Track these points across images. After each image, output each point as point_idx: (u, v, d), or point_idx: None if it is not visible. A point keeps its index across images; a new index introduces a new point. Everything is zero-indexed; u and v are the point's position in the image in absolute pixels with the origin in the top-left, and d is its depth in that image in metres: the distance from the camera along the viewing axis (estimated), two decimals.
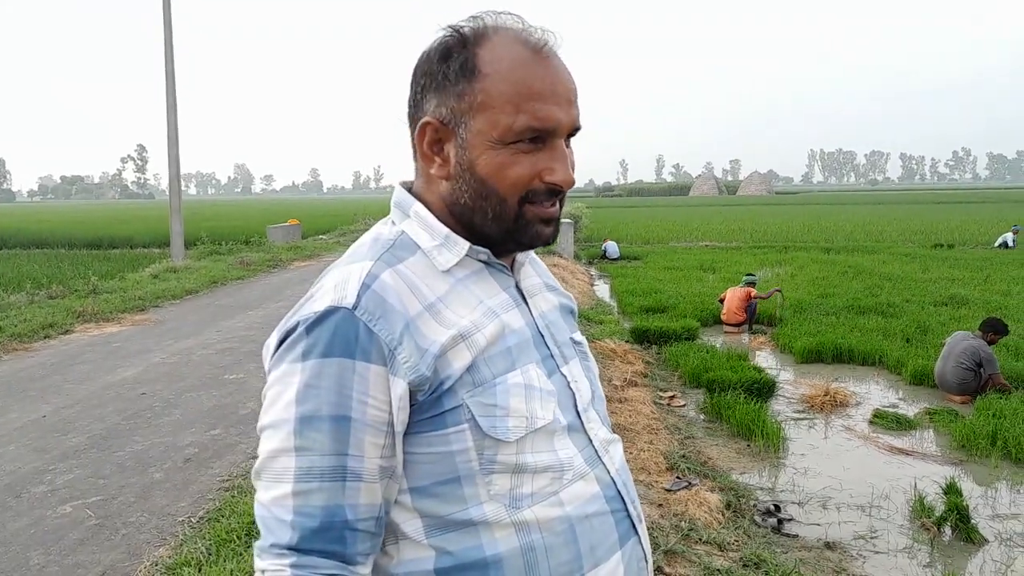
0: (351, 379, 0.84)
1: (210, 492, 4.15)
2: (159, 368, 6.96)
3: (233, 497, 3.98)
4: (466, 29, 0.93)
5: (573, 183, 0.95)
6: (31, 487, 4.24)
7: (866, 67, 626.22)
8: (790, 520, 4.46)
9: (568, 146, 0.96)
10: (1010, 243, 20.23)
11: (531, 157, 0.91)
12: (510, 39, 0.92)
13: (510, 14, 0.95)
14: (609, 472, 0.99)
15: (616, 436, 1.08)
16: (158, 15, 16.57)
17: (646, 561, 1.02)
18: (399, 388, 0.85)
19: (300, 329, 0.86)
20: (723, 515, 4.23)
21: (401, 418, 0.86)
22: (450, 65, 0.92)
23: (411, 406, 0.87)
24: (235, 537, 3.44)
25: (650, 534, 3.72)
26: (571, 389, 1.00)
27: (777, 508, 4.55)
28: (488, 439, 0.88)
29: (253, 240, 20.11)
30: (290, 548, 0.83)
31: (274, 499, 0.84)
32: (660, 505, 4.23)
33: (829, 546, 4.16)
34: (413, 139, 0.97)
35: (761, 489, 4.94)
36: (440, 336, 0.88)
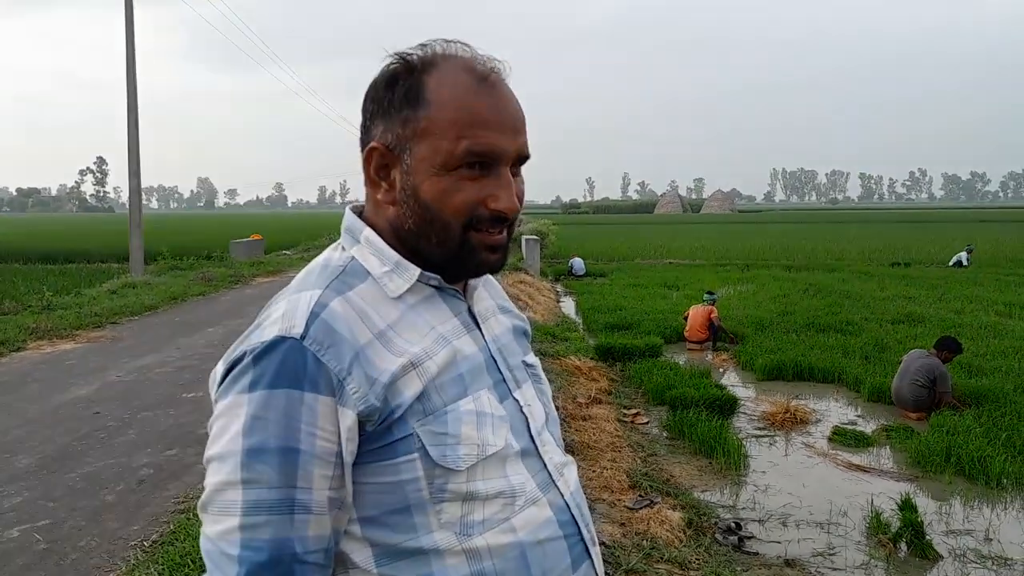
0: (299, 410, 0.82)
1: (164, 515, 4.05)
2: (115, 386, 6.81)
3: (188, 520, 3.89)
4: (413, 57, 0.94)
5: (517, 211, 0.94)
6: None
7: (827, 86, 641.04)
8: (751, 538, 4.49)
9: (516, 175, 0.96)
10: (964, 262, 20.77)
11: (475, 184, 0.91)
12: (457, 67, 0.93)
13: (460, 43, 0.95)
14: (563, 496, 0.98)
15: (570, 458, 1.07)
16: (120, 25, 16.36)
17: None
18: (348, 419, 0.84)
19: (247, 359, 0.84)
20: (684, 533, 4.24)
21: (350, 448, 0.85)
22: (395, 92, 0.93)
23: (360, 436, 0.85)
24: (189, 561, 3.36)
25: (612, 553, 3.72)
26: (524, 413, 0.99)
27: (738, 526, 4.58)
28: (439, 468, 0.87)
29: (215, 255, 19.84)
30: None
31: (220, 533, 0.82)
32: (622, 524, 4.23)
33: (789, 564, 4.20)
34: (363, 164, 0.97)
35: (723, 507, 4.97)
36: (391, 365, 0.87)
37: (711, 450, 5.83)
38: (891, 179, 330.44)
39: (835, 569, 4.17)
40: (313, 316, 0.86)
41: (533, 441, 0.98)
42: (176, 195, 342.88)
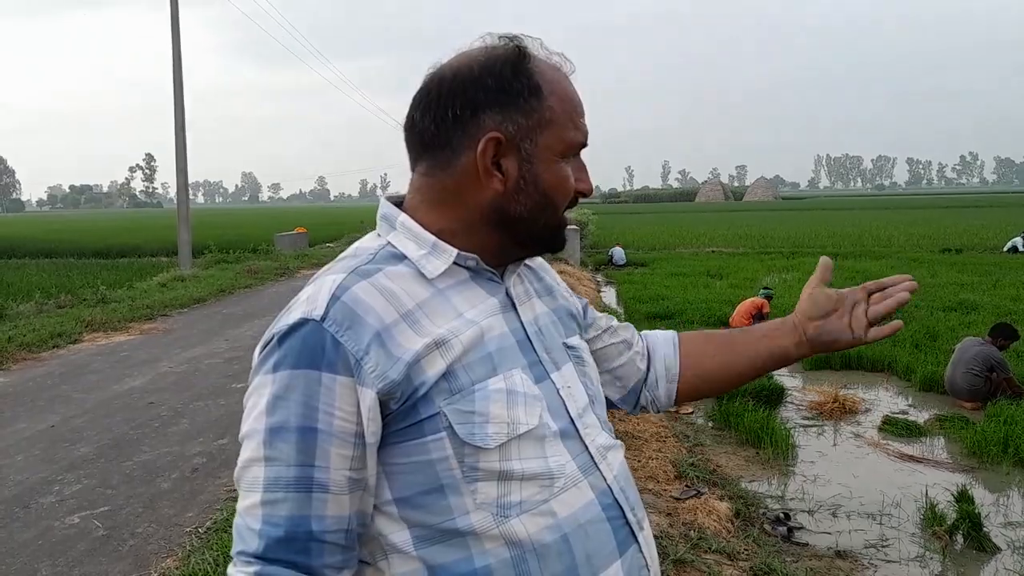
0: (317, 391, 0.84)
1: (217, 502, 4.14)
2: (167, 377, 6.98)
3: None
4: (524, 46, 0.96)
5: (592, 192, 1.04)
6: (39, 497, 4.24)
7: (872, 70, 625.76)
8: (800, 528, 4.43)
9: None
10: (1020, 247, 20.11)
11: (571, 170, 0.97)
12: (544, 58, 0.97)
13: (529, 36, 0.98)
14: (606, 479, 0.97)
15: (617, 442, 1.05)
16: (166, 23, 16.69)
17: (647, 569, 0.99)
18: (368, 399, 0.85)
19: (274, 341, 0.88)
20: (732, 524, 4.20)
21: (372, 429, 0.86)
22: (519, 81, 0.93)
23: (386, 416, 0.87)
24: None
25: (659, 543, 3.70)
26: (560, 396, 0.97)
27: (787, 516, 4.52)
28: (467, 446, 0.87)
29: (260, 248, 20.15)
30: (256, 556, 0.83)
31: (246, 508, 0.85)
32: (669, 514, 4.21)
33: (840, 555, 4.13)
34: (438, 153, 0.96)
35: (770, 497, 4.91)
36: (414, 344, 0.87)
37: (758, 440, 5.75)
38: (940, 164, 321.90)
39: (888, 561, 4.09)
40: (334, 299, 0.87)
41: (573, 423, 0.97)
42: (221, 190, 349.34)
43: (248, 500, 0.85)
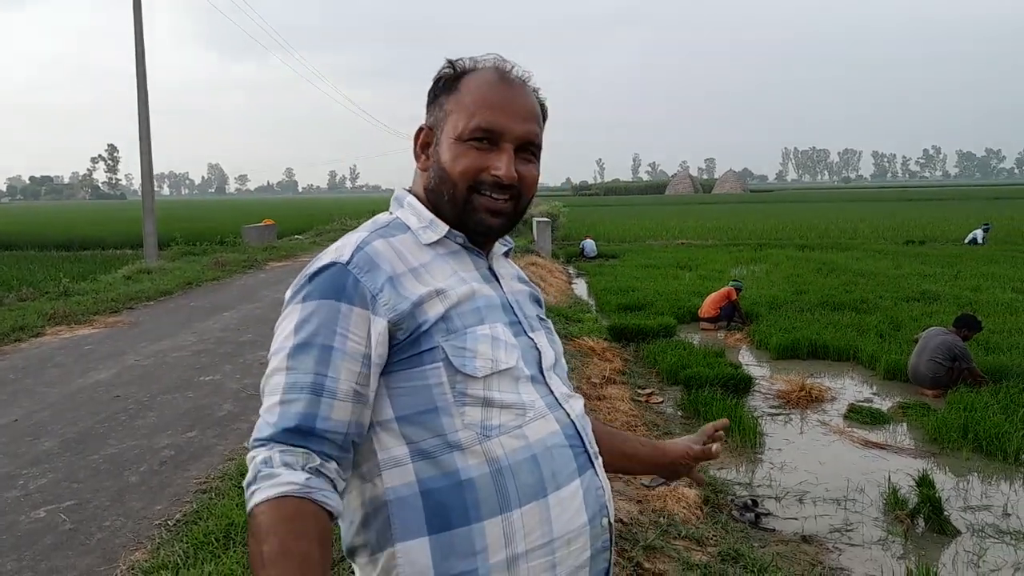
0: (336, 317, 1.04)
1: (187, 495, 4.10)
2: (133, 370, 6.88)
3: (211, 499, 3.94)
4: (459, 63, 1.19)
5: (512, 179, 1.14)
6: (3, 492, 4.16)
7: (838, 64, 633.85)
8: (767, 515, 4.51)
9: (529, 160, 1.18)
10: (980, 240, 20.57)
11: (482, 154, 1.14)
12: (488, 68, 1.18)
13: (501, 57, 1.20)
14: (570, 415, 1.17)
15: (577, 394, 1.26)
16: (129, 13, 16.35)
17: (603, 490, 1.17)
18: (379, 326, 1.05)
19: (305, 279, 1.09)
20: (701, 511, 4.26)
21: (379, 351, 1.05)
22: (441, 86, 1.19)
23: (393, 346, 1.06)
24: (213, 540, 3.41)
25: (629, 530, 3.75)
26: (537, 349, 1.19)
27: (754, 503, 4.60)
28: (459, 374, 1.07)
29: (228, 240, 19.88)
30: (267, 439, 1.00)
31: (266, 408, 1.03)
32: (639, 501, 4.25)
33: (806, 539, 4.21)
34: None
35: (739, 484, 4.99)
36: (419, 289, 1.09)
37: (726, 429, 5.82)
38: (904, 157, 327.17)
39: (852, 545, 4.18)
40: (358, 249, 1.10)
41: (542, 373, 1.17)
42: (187, 181, 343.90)
43: (268, 402, 1.03)
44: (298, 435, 1.00)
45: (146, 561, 3.33)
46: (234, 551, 3.29)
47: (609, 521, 1.17)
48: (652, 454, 1.47)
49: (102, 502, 4.03)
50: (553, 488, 1.09)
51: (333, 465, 1.02)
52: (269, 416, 1.02)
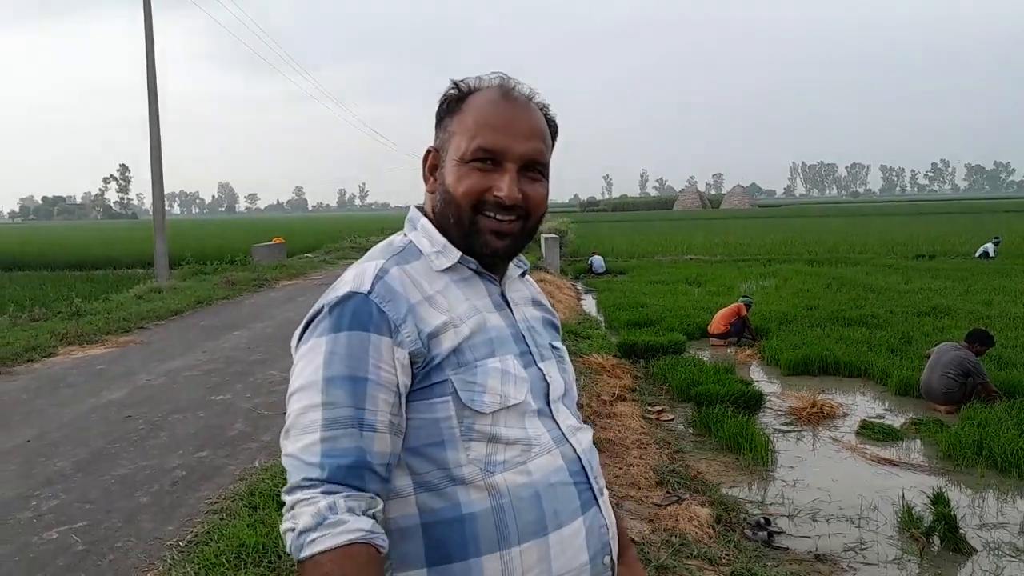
0: (367, 348, 1.02)
1: (198, 515, 4.10)
2: (145, 390, 6.90)
3: (222, 520, 3.94)
4: (463, 84, 1.18)
5: (515, 200, 1.12)
6: (16, 513, 4.18)
7: (846, 78, 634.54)
8: (780, 533, 4.47)
9: (536, 180, 1.16)
10: (991, 253, 20.46)
11: (483, 175, 1.13)
12: (492, 88, 1.17)
13: (506, 75, 1.18)
14: (576, 450, 1.15)
15: (586, 426, 1.24)
16: (140, 34, 16.56)
17: (606, 527, 1.16)
18: (403, 357, 1.04)
19: (325, 311, 1.06)
20: (713, 529, 4.24)
21: (404, 381, 1.04)
22: (446, 108, 1.19)
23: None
24: (224, 561, 3.41)
25: (641, 550, 3.73)
26: (546, 380, 1.17)
27: (767, 521, 4.56)
28: (467, 410, 1.06)
29: (238, 259, 19.97)
30: (320, 480, 0.97)
31: (303, 447, 1.00)
32: (651, 520, 4.23)
33: (819, 558, 4.18)
34: None
35: (751, 502, 4.95)
36: (434, 320, 1.07)
37: (738, 446, 5.80)
38: (913, 171, 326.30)
39: (867, 564, 4.15)
40: (378, 278, 1.08)
41: (549, 406, 1.16)
42: (198, 200, 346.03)
43: (305, 440, 1.00)
44: (351, 472, 0.98)
45: None
46: (244, 572, 3.29)
47: (612, 559, 1.16)
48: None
49: (114, 523, 4.04)
50: (555, 527, 1.08)
51: (382, 504, 1.02)
52: (309, 456, 0.99)
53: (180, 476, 4.71)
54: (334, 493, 0.96)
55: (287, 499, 0.99)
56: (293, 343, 1.11)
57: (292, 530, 0.96)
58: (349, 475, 0.98)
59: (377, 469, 1.01)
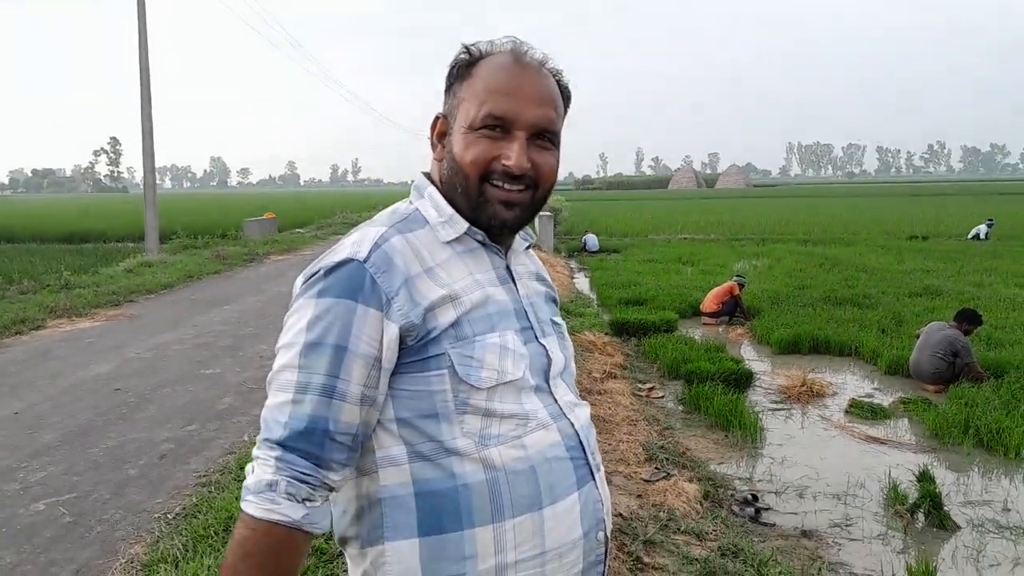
0: (352, 318, 1.02)
1: (187, 488, 4.10)
2: (134, 363, 6.88)
3: (210, 493, 3.94)
4: (474, 48, 1.14)
5: (524, 169, 1.09)
6: (3, 485, 4.17)
7: (843, 58, 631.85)
8: (767, 509, 4.50)
9: (546, 148, 1.12)
10: (983, 235, 20.52)
11: (492, 143, 1.09)
12: (504, 52, 1.13)
13: (518, 39, 1.15)
14: (574, 426, 1.14)
15: (584, 402, 1.23)
16: (132, 3, 16.32)
17: (602, 503, 1.15)
18: (391, 331, 1.03)
19: (321, 272, 1.05)
20: (701, 505, 4.26)
21: (389, 356, 1.03)
22: (456, 73, 1.15)
23: (401, 349, 1.04)
24: (212, 533, 3.41)
25: (629, 524, 3.75)
26: (548, 356, 1.16)
27: (754, 498, 4.59)
28: (463, 384, 1.05)
29: (229, 234, 19.90)
30: (278, 443, 1.00)
31: (276, 404, 1.02)
32: (639, 496, 4.25)
33: (805, 534, 4.21)
34: None
35: (739, 479, 4.98)
36: (432, 294, 1.05)
37: (727, 423, 5.82)
38: (909, 152, 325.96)
39: (852, 539, 4.18)
40: (376, 246, 1.06)
41: (548, 382, 1.15)
42: (190, 174, 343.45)
43: (278, 398, 1.02)
44: (309, 439, 1.00)
45: (145, 554, 3.33)
46: None
47: (605, 535, 1.16)
48: None
49: (102, 495, 4.03)
50: (549, 501, 1.08)
51: (338, 474, 1.04)
52: (279, 414, 1.02)
53: (169, 449, 4.70)
54: (284, 464, 1.00)
55: (254, 451, 1.04)
56: (294, 291, 1.11)
57: (245, 479, 1.03)
58: (308, 441, 1.00)
59: (339, 438, 1.02)
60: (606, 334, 8.66)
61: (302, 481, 1.00)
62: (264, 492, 0.99)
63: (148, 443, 4.80)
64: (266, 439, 1.02)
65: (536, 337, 1.15)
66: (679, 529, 3.85)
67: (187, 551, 3.28)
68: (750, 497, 4.59)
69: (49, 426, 5.13)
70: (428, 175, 1.20)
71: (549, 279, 1.33)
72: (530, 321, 1.16)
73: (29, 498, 4.00)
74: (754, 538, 4.03)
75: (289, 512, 0.99)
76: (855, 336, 8.40)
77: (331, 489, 1.04)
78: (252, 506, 1.00)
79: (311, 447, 1.00)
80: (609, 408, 5.85)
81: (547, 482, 1.08)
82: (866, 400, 6.58)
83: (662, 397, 6.73)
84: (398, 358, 1.04)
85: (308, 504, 1.01)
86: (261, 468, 1.01)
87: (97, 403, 5.65)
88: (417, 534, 1.04)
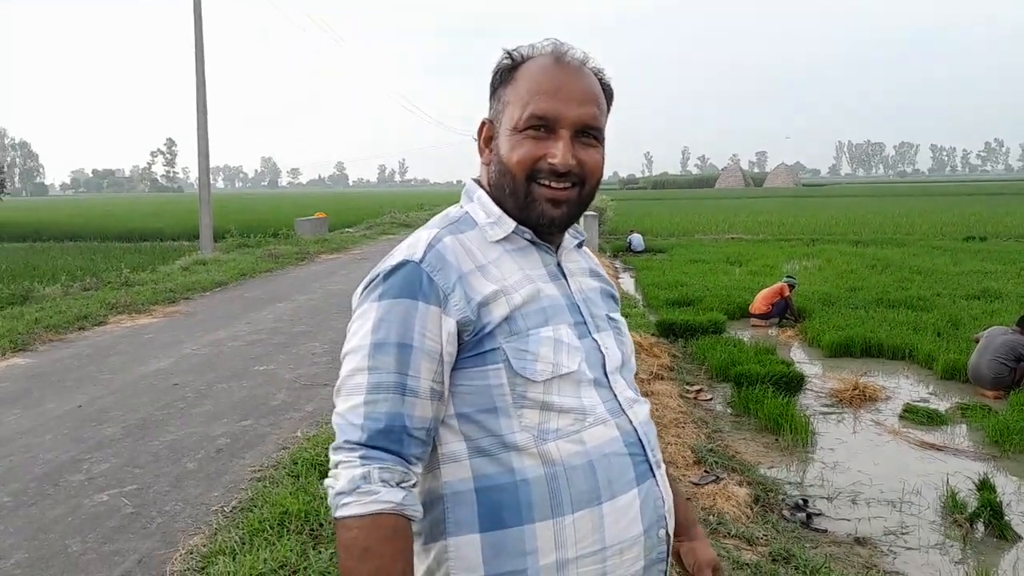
0: (414, 316, 1.05)
1: (242, 482, 4.21)
2: (190, 359, 7.07)
3: (265, 487, 4.04)
4: (516, 53, 1.17)
5: (569, 166, 1.11)
6: (68, 476, 4.33)
7: (894, 56, 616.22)
8: (819, 515, 4.43)
9: (590, 145, 1.15)
10: None
11: (538, 143, 1.12)
12: (545, 55, 1.16)
13: (559, 41, 1.17)
14: (632, 422, 1.15)
15: (644, 398, 1.24)
16: (188, 9, 16.74)
17: (663, 500, 1.16)
18: (449, 325, 1.06)
19: (379, 277, 1.09)
20: (751, 509, 4.21)
21: (449, 350, 1.07)
22: (499, 78, 1.18)
23: (459, 344, 1.07)
24: (267, 527, 3.50)
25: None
26: (601, 352, 1.17)
27: (806, 503, 4.53)
28: (519, 377, 1.07)
29: (281, 233, 20.26)
30: (359, 444, 1.02)
31: (349, 408, 1.05)
32: (688, 499, 4.22)
33: (859, 541, 4.13)
34: None
35: (789, 484, 4.91)
36: (485, 289, 1.08)
37: (777, 427, 5.74)
38: (964, 150, 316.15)
39: (908, 548, 4.09)
40: (430, 247, 1.10)
41: (606, 376, 1.16)
42: (241, 175, 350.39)
43: (351, 402, 1.05)
44: (389, 436, 1.03)
45: (204, 546, 3.43)
46: (288, 539, 3.37)
47: (667, 532, 1.16)
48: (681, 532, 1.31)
49: (162, 487, 4.16)
50: (608, 496, 1.09)
51: (419, 468, 1.06)
52: (353, 416, 1.04)
53: (225, 444, 4.82)
54: (371, 459, 1.01)
55: (332, 457, 1.05)
56: (354, 299, 1.14)
57: (332, 488, 1.03)
58: (388, 439, 1.03)
59: (415, 433, 1.04)
60: (653, 335, 8.61)
61: (391, 469, 1.02)
62: (360, 486, 1.00)
63: (205, 437, 4.94)
64: (346, 440, 1.04)
65: (589, 332, 1.16)
66: (729, 533, 3.82)
67: (244, 544, 3.37)
68: (801, 502, 4.52)
69: (111, 419, 5.31)
70: (478, 180, 1.24)
71: (605, 275, 1.34)
72: (583, 316, 1.17)
73: (93, 489, 4.15)
74: (806, 544, 3.97)
75: (390, 497, 1.00)
76: (909, 339, 8.20)
77: (413, 484, 1.06)
78: (352, 507, 1.00)
79: (391, 444, 1.03)
80: (656, 410, 5.82)
81: (605, 477, 1.08)
82: (921, 405, 6.42)
83: (710, 399, 6.67)
84: (457, 353, 1.07)
85: (403, 486, 1.02)
86: (347, 470, 1.02)
87: (156, 398, 5.83)
88: (479, 529, 1.06)
